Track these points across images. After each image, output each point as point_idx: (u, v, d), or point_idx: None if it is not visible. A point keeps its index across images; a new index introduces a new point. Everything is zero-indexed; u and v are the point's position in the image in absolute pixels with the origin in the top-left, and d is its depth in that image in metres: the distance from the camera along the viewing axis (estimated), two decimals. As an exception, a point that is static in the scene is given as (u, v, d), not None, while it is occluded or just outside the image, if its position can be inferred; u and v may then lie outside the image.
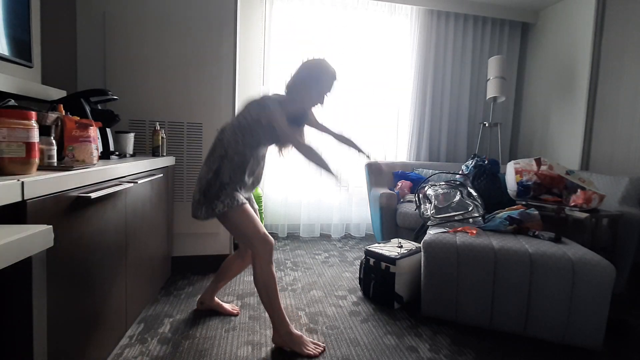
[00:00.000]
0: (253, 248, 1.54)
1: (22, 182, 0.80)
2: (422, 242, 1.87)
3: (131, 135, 1.88)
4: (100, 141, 1.57)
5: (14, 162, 0.88)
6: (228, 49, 2.33)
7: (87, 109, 1.66)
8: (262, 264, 1.53)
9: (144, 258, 1.68)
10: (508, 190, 2.63)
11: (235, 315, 1.85)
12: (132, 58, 2.20)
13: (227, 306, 1.87)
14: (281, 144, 1.64)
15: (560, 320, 1.63)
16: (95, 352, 1.21)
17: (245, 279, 2.31)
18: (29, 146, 0.90)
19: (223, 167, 1.52)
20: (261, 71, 3.27)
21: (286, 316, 1.57)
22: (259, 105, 1.53)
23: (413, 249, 2.13)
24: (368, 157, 1.83)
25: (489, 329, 1.77)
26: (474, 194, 2.30)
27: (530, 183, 2.44)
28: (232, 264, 1.84)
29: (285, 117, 1.52)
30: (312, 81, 1.58)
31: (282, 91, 1.65)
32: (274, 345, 1.58)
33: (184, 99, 2.29)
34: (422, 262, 1.86)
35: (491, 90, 3.38)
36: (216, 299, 1.87)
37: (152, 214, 1.77)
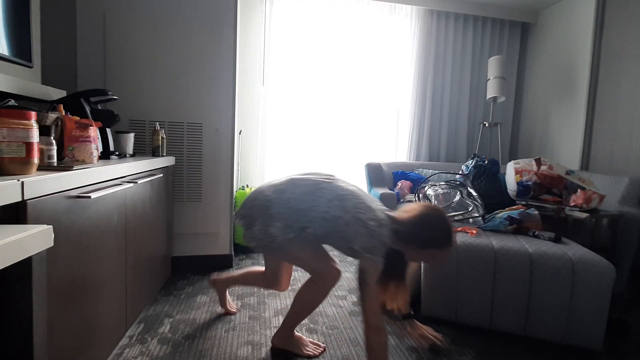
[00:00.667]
0: (319, 278, 1.43)
1: (22, 182, 0.80)
2: (422, 242, 1.87)
3: (131, 135, 1.88)
4: (100, 141, 1.57)
5: (14, 162, 0.88)
6: (228, 49, 2.33)
7: (87, 109, 1.66)
8: (322, 290, 1.43)
9: (144, 258, 1.68)
10: (508, 190, 2.63)
11: (234, 313, 1.85)
12: (132, 58, 2.20)
13: (230, 303, 1.87)
14: (360, 286, 1.34)
15: (560, 320, 1.63)
16: (95, 352, 1.21)
17: (245, 279, 2.31)
18: (29, 146, 0.90)
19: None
20: (261, 71, 3.27)
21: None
22: (370, 245, 1.28)
23: (413, 249, 2.13)
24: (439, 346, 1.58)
25: (489, 329, 1.77)
26: (474, 194, 2.30)
27: (530, 183, 2.44)
28: (257, 282, 1.73)
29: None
30: (431, 246, 1.38)
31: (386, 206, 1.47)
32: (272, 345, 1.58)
33: (184, 99, 2.29)
34: (422, 262, 1.86)
35: (491, 90, 3.37)
36: (227, 291, 1.85)
37: (152, 214, 1.77)
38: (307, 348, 1.53)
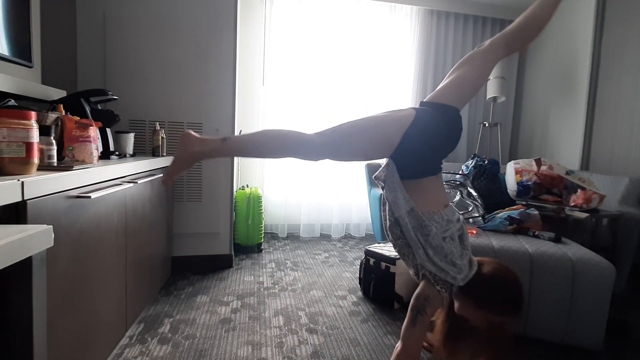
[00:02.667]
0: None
1: (22, 182, 0.80)
2: (422, 242, 1.86)
3: (131, 135, 1.88)
4: (100, 141, 1.57)
5: (14, 162, 0.88)
6: (228, 49, 2.33)
7: (87, 109, 1.66)
8: None
9: (144, 258, 1.68)
10: (508, 190, 2.63)
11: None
12: (132, 58, 2.20)
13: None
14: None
15: (560, 320, 1.62)
16: (95, 352, 1.21)
17: (245, 279, 2.31)
18: (29, 146, 0.90)
19: None
20: (261, 71, 3.27)
21: None
22: (441, 278, 1.21)
23: (413, 249, 2.12)
24: None
25: (489, 329, 1.76)
26: (474, 194, 2.30)
27: (530, 183, 2.44)
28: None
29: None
30: (489, 310, 1.22)
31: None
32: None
33: (184, 99, 2.29)
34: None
35: (491, 90, 3.37)
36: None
37: (152, 214, 1.77)
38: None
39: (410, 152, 1.21)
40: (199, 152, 1.21)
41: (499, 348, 1.23)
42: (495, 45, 1.30)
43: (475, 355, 1.27)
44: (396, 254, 2.03)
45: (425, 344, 1.58)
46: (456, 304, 1.31)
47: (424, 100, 1.35)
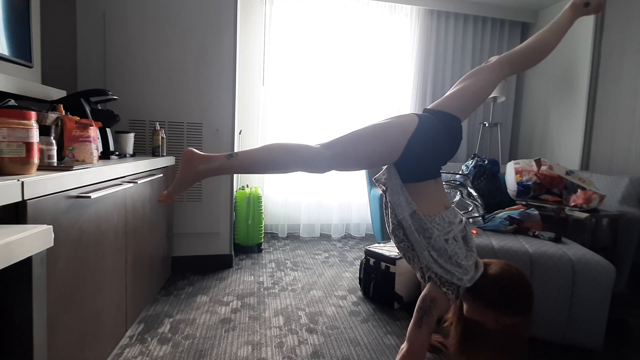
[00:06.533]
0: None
1: (22, 182, 0.80)
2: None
3: (131, 135, 1.88)
4: (100, 141, 1.57)
5: (14, 162, 0.88)
6: (228, 49, 2.33)
7: (87, 109, 1.66)
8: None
9: (144, 258, 1.68)
10: (508, 190, 2.63)
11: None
12: (132, 58, 2.20)
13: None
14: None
15: (560, 320, 1.62)
16: (95, 352, 1.21)
17: (245, 279, 2.31)
18: (29, 146, 0.90)
19: None
20: (261, 71, 3.27)
21: None
22: (447, 279, 1.22)
23: (413, 249, 2.12)
24: None
25: (489, 329, 1.76)
26: (474, 194, 2.30)
27: (530, 183, 2.44)
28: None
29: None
30: (498, 310, 1.22)
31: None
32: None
33: (184, 99, 2.29)
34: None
35: (491, 90, 3.37)
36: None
37: (152, 214, 1.77)
38: None
39: (412, 158, 1.24)
40: (204, 171, 1.20)
41: (514, 351, 1.23)
42: (501, 63, 1.36)
43: (491, 359, 1.26)
44: (396, 254, 2.03)
45: (438, 344, 1.58)
46: (465, 307, 1.31)
47: (428, 108, 1.38)
